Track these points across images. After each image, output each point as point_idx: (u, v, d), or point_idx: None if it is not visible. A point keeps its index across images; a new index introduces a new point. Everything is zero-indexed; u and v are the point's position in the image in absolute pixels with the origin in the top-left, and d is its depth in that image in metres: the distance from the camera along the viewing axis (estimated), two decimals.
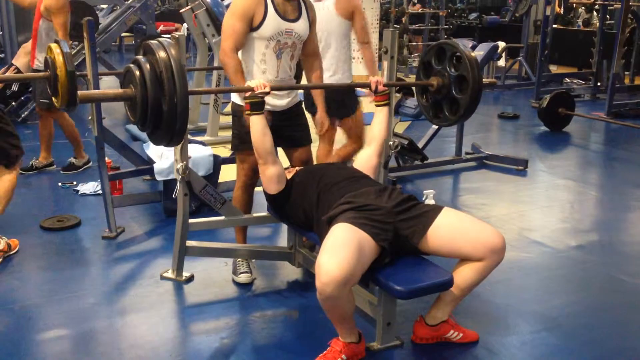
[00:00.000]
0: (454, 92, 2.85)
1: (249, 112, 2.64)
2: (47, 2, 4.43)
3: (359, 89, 3.50)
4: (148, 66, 2.23)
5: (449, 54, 2.85)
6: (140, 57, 2.29)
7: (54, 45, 3.64)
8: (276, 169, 2.71)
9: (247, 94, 2.61)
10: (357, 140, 3.95)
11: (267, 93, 2.62)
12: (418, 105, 6.02)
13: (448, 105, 2.92)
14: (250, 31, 2.84)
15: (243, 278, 3.12)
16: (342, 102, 3.74)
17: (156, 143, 2.46)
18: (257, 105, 2.63)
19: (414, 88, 4.41)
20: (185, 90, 2.22)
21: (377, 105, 2.94)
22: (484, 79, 2.83)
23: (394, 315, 2.51)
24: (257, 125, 2.65)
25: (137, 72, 2.23)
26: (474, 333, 2.62)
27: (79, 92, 2.29)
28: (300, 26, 2.94)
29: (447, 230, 2.42)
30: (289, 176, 2.84)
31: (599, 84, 8.74)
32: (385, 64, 2.95)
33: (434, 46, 2.99)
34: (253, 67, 2.93)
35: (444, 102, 2.93)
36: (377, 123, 2.93)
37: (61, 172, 4.85)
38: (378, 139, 2.91)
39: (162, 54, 2.21)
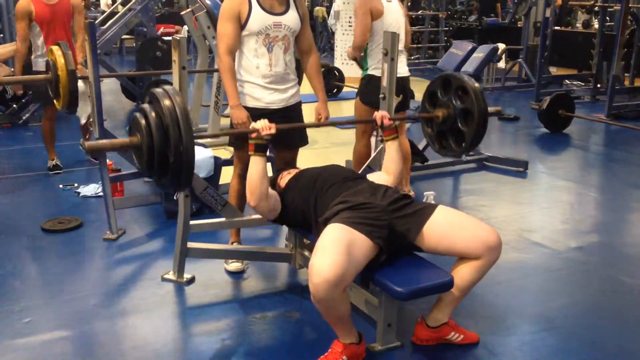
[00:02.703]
0: (459, 124, 2.83)
1: (252, 152, 2.58)
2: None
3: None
4: (153, 114, 2.22)
5: (455, 86, 2.83)
6: (145, 106, 2.28)
7: (55, 47, 3.66)
8: (268, 204, 2.66)
9: (253, 135, 2.55)
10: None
11: (273, 134, 2.55)
12: (419, 107, 6.01)
13: (453, 137, 2.90)
14: (240, 30, 2.96)
15: (233, 266, 3.23)
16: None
17: (164, 189, 2.46)
18: (261, 147, 2.57)
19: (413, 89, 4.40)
20: (190, 139, 2.20)
21: (385, 140, 2.87)
22: (489, 108, 2.82)
23: (394, 316, 2.52)
24: (257, 166, 2.57)
25: (143, 121, 2.23)
26: (474, 334, 2.63)
27: (87, 143, 2.26)
28: (289, 18, 3.02)
29: (443, 226, 2.44)
30: (288, 177, 2.85)
31: (598, 85, 8.74)
32: (385, 66, 2.96)
33: (440, 77, 2.97)
34: (247, 63, 3.03)
35: (449, 133, 2.91)
36: (390, 158, 2.85)
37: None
38: (395, 175, 2.83)
39: (167, 102, 2.20)
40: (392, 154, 2.85)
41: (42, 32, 4.65)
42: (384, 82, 2.99)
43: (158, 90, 2.27)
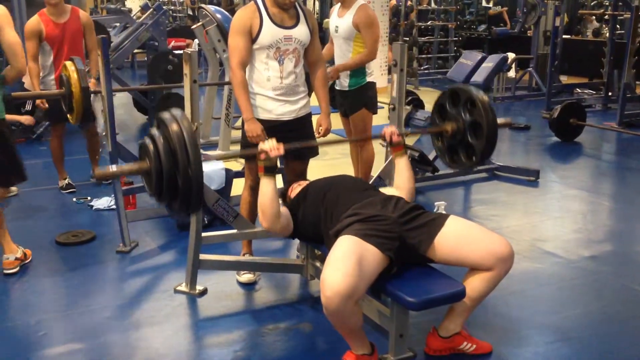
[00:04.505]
0: (469, 138, 2.81)
1: (261, 174, 2.57)
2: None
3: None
4: (162, 140, 2.24)
5: (464, 99, 2.81)
6: (154, 130, 2.30)
7: (68, 63, 3.72)
8: (280, 225, 2.64)
9: (262, 157, 2.54)
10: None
11: (281, 154, 2.55)
12: (429, 117, 5.99)
13: (464, 151, 2.87)
14: (252, 43, 2.98)
15: (245, 278, 3.24)
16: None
17: (174, 213, 2.47)
18: (270, 168, 2.56)
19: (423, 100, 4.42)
20: (198, 163, 2.22)
21: (395, 157, 2.83)
22: (498, 120, 2.79)
23: (406, 327, 2.51)
24: (267, 188, 2.56)
25: (151, 146, 2.25)
26: (487, 344, 2.62)
27: (96, 172, 2.39)
28: (299, 31, 3.04)
29: (454, 238, 2.43)
30: (298, 189, 2.86)
31: (610, 94, 8.70)
32: (394, 76, 2.97)
33: (448, 90, 2.95)
34: (258, 75, 3.05)
35: (460, 147, 2.88)
36: (400, 174, 2.81)
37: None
38: (406, 192, 2.76)
39: (174, 126, 2.22)
40: (402, 171, 2.80)
41: (53, 51, 4.64)
42: (394, 93, 3.00)
43: (165, 115, 2.29)
